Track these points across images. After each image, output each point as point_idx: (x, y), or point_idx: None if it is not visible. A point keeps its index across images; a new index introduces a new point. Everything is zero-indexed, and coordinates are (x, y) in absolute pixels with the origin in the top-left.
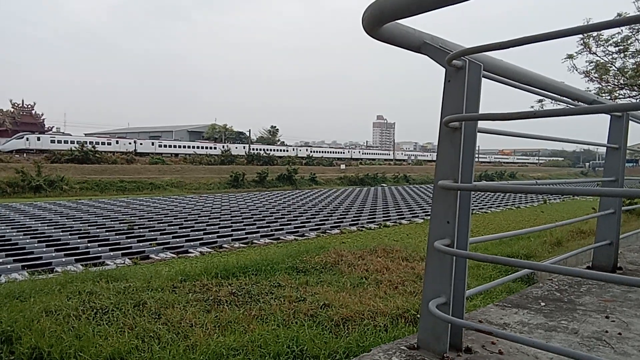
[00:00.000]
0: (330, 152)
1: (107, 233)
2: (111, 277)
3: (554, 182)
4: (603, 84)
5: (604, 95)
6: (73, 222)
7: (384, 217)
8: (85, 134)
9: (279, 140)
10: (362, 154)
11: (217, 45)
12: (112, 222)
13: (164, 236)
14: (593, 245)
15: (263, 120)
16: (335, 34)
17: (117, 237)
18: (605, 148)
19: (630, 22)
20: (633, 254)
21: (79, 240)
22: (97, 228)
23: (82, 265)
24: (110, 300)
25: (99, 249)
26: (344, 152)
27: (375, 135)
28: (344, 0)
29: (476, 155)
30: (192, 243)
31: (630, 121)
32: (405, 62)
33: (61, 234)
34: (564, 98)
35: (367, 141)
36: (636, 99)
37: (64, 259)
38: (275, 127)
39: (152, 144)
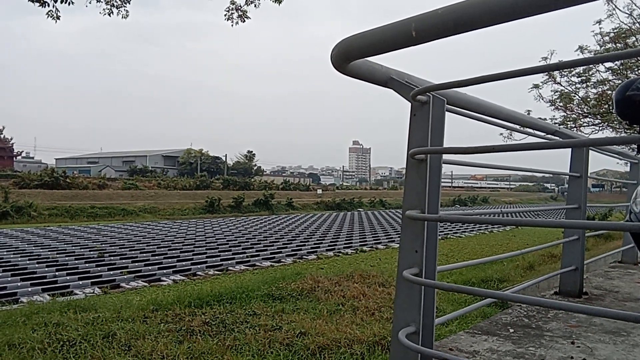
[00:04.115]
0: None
1: (76, 261)
2: (79, 307)
3: (520, 211)
4: (568, 113)
5: (569, 123)
6: (41, 250)
7: (360, 242)
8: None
9: (255, 165)
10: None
11: (191, 69)
12: (82, 250)
13: (136, 264)
14: (560, 271)
15: (239, 146)
16: (309, 60)
17: (87, 265)
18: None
19: (587, 62)
20: (598, 278)
21: (46, 269)
22: (66, 256)
23: (49, 295)
24: (78, 332)
25: (68, 277)
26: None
27: (351, 160)
28: (321, 29)
29: (450, 181)
30: (164, 271)
31: (590, 150)
32: (379, 90)
33: (28, 262)
34: (527, 129)
35: (343, 166)
36: (599, 127)
37: (30, 289)
38: (251, 151)
39: None
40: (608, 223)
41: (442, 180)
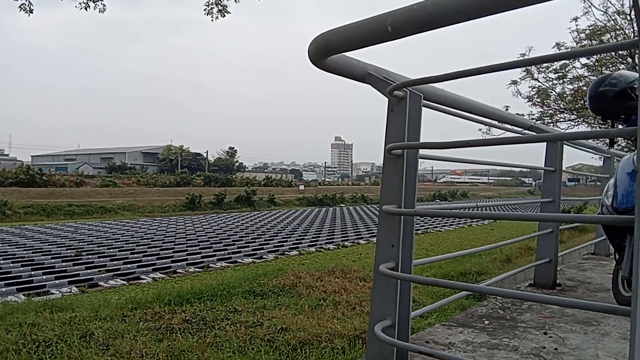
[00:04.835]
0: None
1: (52, 260)
2: (56, 307)
3: (496, 205)
4: (545, 108)
5: (546, 118)
6: (16, 249)
7: (342, 237)
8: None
9: (237, 161)
10: None
11: (172, 66)
12: (59, 249)
13: (114, 262)
14: (534, 263)
15: (221, 142)
16: (291, 57)
17: (64, 264)
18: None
19: (565, 57)
20: (572, 270)
21: (21, 269)
22: (42, 255)
23: (24, 295)
24: (55, 332)
25: (44, 277)
26: None
27: (333, 156)
28: (302, 26)
29: (430, 176)
30: (144, 269)
31: (565, 145)
32: (361, 86)
33: (2, 262)
34: (505, 125)
35: (325, 162)
36: (575, 122)
37: (4, 289)
38: (233, 148)
39: None
40: (580, 216)
41: (423, 175)
